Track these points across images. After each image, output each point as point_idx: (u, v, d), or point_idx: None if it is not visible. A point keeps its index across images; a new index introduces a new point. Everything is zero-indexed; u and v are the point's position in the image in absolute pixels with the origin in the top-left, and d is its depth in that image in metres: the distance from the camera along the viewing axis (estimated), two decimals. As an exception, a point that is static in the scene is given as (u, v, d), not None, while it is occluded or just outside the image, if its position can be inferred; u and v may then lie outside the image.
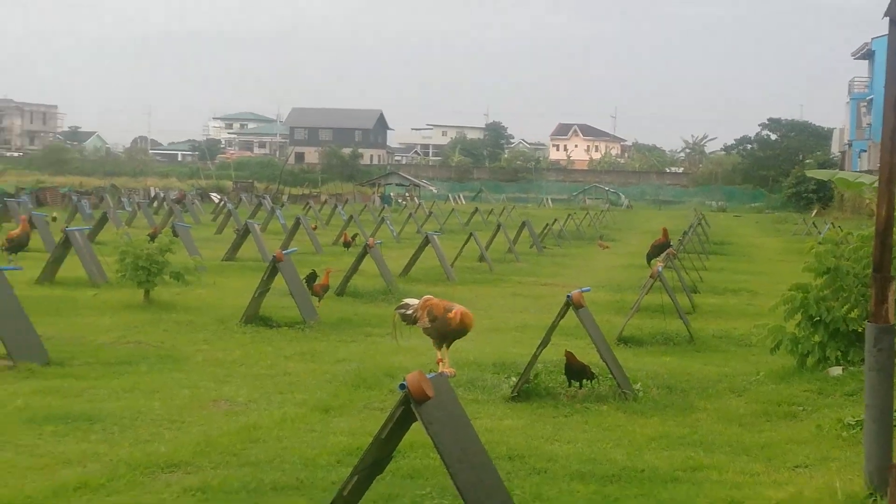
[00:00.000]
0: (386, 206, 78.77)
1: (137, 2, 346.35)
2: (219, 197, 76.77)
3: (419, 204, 77.19)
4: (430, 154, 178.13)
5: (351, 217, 44.59)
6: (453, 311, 10.66)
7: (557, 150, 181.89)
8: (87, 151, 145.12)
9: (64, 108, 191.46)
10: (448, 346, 10.39)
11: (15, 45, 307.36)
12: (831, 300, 13.55)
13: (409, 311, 11.07)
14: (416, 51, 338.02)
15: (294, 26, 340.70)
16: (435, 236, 27.14)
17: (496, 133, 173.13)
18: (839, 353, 13.39)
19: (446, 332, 10.07)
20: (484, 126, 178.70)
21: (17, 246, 25.19)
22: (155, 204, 61.59)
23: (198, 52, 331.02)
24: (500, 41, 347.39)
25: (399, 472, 8.67)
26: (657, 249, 26.17)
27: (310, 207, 60.21)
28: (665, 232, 27.16)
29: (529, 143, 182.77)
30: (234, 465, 9.07)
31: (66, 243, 22.53)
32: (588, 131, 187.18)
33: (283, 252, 18.06)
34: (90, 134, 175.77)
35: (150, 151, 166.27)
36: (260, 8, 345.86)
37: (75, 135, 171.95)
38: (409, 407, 6.58)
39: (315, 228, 39.13)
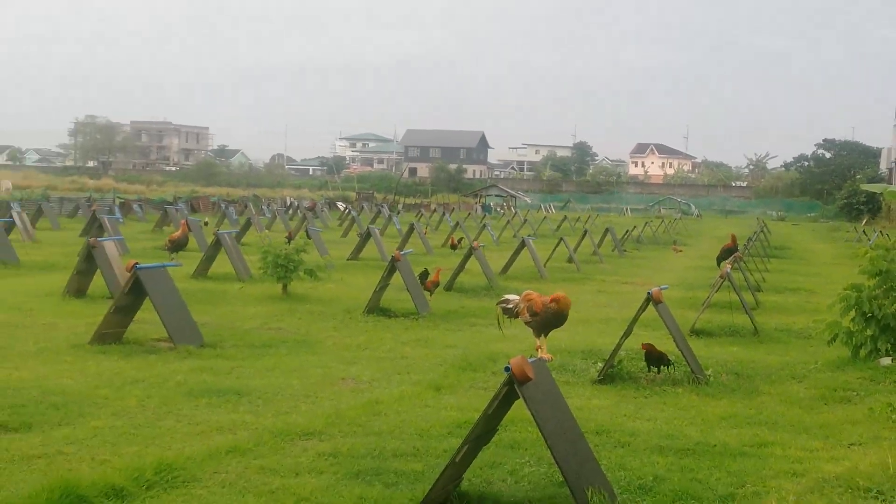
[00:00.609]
0: (486, 214, 78.68)
1: (277, 37, 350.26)
2: (344, 205, 77.26)
3: (515, 212, 76.97)
4: (525, 169, 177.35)
5: (457, 223, 44.69)
6: (552, 298, 10.60)
7: (636, 166, 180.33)
8: (233, 166, 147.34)
9: (214, 130, 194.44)
10: (546, 335, 10.37)
11: (175, 73, 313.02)
12: (882, 299, 13.26)
13: (510, 305, 11.03)
14: (515, 79, 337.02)
15: (409, 58, 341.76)
16: (530, 240, 27.05)
17: (582, 151, 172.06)
18: (889, 345, 13.08)
19: (548, 321, 10.05)
20: (572, 145, 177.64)
21: (178, 246, 25.56)
22: (290, 211, 62.19)
23: (327, 80, 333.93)
24: (586, 71, 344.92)
25: (502, 443, 8.64)
26: (726, 253, 25.83)
27: (421, 215, 60.48)
28: (733, 238, 26.80)
29: (611, 160, 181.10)
30: (361, 434, 9.11)
31: (217, 244, 22.85)
32: (663, 150, 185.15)
33: (401, 253, 18.15)
34: (235, 151, 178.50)
35: (286, 167, 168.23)
36: (380, 42, 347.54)
37: (223, 152, 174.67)
38: (513, 387, 6.57)
39: (426, 233, 39.25)
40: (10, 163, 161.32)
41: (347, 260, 29.34)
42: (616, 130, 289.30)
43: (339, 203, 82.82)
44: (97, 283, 18.27)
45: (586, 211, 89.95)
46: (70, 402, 9.91)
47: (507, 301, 11.36)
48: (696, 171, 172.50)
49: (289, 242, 21.10)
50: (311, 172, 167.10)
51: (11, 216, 33.95)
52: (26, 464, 7.86)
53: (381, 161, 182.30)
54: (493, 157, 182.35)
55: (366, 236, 31.37)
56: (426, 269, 20.07)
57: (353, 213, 54.34)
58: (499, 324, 12.33)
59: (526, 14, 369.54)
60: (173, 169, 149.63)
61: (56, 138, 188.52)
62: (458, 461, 6.73)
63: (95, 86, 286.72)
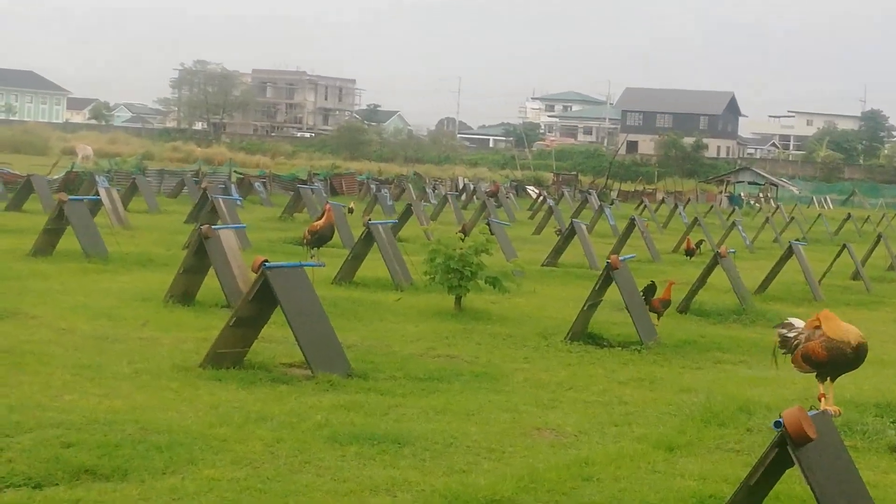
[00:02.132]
0: (736, 208, 77.62)
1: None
2: (537, 191, 77.69)
3: (777, 207, 75.79)
4: (791, 147, 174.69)
5: (695, 220, 44.30)
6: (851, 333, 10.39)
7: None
8: (387, 133, 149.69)
9: (362, 84, 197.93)
10: (833, 380, 10.18)
11: (311, 15, 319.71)
12: None
13: (791, 334, 10.80)
14: (774, 23, 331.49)
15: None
16: (799, 246, 26.63)
17: (874, 123, 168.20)
18: None
19: (839, 362, 9.82)
20: (859, 115, 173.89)
21: (321, 239, 25.07)
22: (463, 196, 62.79)
23: (516, 24, 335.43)
24: (877, 11, 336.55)
25: (763, 527, 8.56)
26: None
27: (645, 207, 60.22)
28: None
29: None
30: (565, 504, 9.17)
31: (369, 239, 23.17)
32: None
33: (619, 258, 18.09)
34: (391, 114, 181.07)
35: (458, 135, 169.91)
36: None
37: (374, 114, 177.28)
38: (786, 449, 6.51)
39: (651, 232, 39.05)
40: (93, 122, 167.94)
41: (542, 266, 29.46)
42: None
43: (531, 187, 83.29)
44: (209, 285, 18.84)
45: (879, 208, 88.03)
46: (176, 442, 10.25)
47: (791, 327, 11.16)
48: None
49: (463, 239, 21.22)
50: (491, 144, 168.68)
51: (97, 193, 35.11)
52: (122, 522, 8.19)
53: (587, 131, 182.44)
54: (745, 128, 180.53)
55: (567, 234, 31.42)
56: (653, 283, 19.89)
57: (550, 201, 54.56)
58: (774, 357, 12.15)
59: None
60: (307, 135, 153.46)
61: (154, 92, 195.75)
62: (706, 549, 6.70)
63: (206, 28, 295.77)
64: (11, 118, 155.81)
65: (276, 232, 35.06)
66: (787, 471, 6.69)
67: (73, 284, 20.71)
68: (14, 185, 44.31)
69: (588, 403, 13.36)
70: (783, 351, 11.12)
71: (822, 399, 10.88)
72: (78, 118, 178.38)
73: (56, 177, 48.63)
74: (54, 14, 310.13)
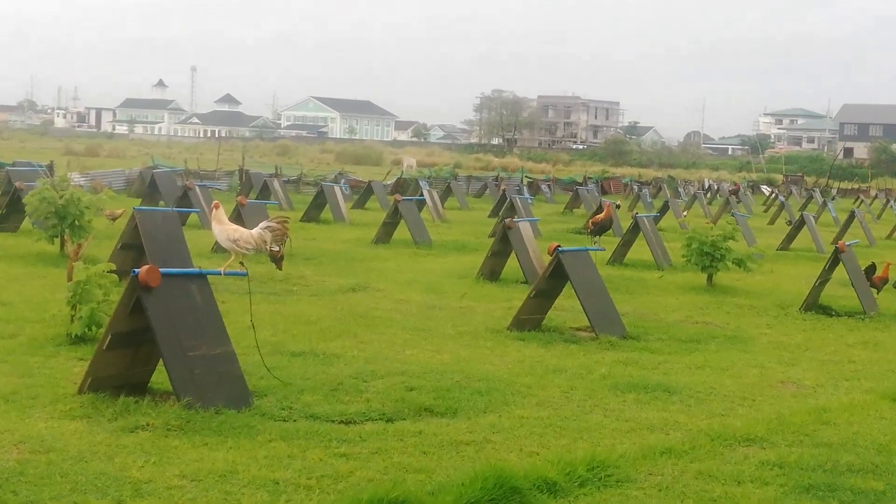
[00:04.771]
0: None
1: (694, 10, 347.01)
2: (769, 189, 75.53)
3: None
4: None
5: (905, 212, 42.46)
6: None
7: None
8: (645, 144, 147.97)
9: (625, 105, 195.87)
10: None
11: (589, 47, 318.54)
12: None
13: None
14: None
15: (850, 28, 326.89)
16: None
17: None
18: None
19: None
20: None
21: (601, 229, 25.55)
22: (708, 195, 61.58)
23: (751, 52, 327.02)
24: None
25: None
26: None
27: (861, 201, 57.99)
28: None
29: None
30: (808, 444, 8.89)
31: (636, 228, 23.08)
32: None
33: (846, 244, 17.52)
34: (648, 129, 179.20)
35: (703, 146, 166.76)
36: (812, 12, 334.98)
37: (634, 129, 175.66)
38: None
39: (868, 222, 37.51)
40: (415, 139, 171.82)
41: (777, 250, 28.65)
42: None
43: (764, 186, 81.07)
44: (510, 265, 18.99)
45: None
46: (493, 388, 10.36)
47: None
48: None
49: (712, 229, 20.81)
50: (729, 152, 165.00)
51: (422, 194, 35.85)
52: (455, 449, 8.31)
53: (810, 140, 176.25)
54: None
55: (798, 224, 30.52)
56: (873, 263, 19.15)
57: (781, 198, 52.93)
58: None
59: None
60: (581, 147, 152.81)
61: (459, 115, 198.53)
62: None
63: (499, 62, 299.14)
64: (353, 137, 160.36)
65: (560, 224, 35.07)
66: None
67: (406, 265, 21.20)
68: (358, 189, 45.56)
69: (822, 362, 12.97)
70: None
71: None
72: (403, 136, 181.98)
73: (389, 182, 49.75)
74: (387, 53, 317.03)
